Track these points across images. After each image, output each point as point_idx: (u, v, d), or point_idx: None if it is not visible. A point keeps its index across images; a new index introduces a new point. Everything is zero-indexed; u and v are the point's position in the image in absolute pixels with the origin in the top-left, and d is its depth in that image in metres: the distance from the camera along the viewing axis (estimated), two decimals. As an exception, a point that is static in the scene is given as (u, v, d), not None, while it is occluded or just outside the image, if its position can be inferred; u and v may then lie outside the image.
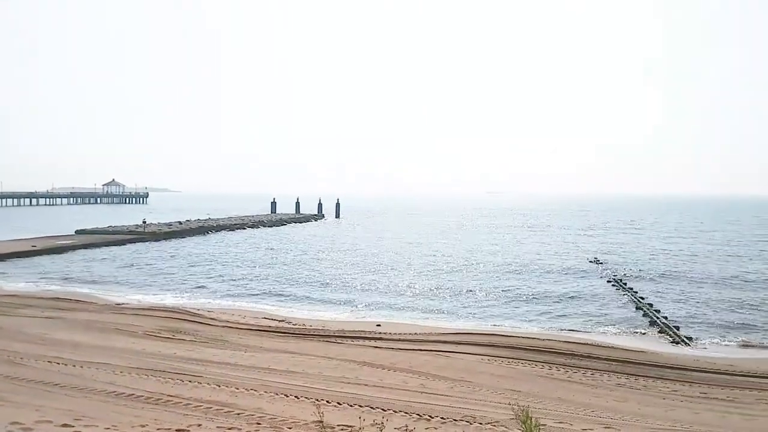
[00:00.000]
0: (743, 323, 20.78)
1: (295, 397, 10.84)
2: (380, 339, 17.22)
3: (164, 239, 50.17)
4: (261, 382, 11.82)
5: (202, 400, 10.35)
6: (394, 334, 17.88)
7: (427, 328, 19.44)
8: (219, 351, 15.05)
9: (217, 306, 23.07)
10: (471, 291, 26.92)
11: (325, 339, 17.14)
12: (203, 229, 58.45)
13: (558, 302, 24.53)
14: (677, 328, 19.36)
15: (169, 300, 24.43)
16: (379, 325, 19.44)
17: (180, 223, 62.73)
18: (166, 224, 60.02)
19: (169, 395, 10.62)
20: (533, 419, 4.90)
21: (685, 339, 18.23)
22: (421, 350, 15.80)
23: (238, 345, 15.88)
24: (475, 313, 22.42)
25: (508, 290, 27.20)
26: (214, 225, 62.06)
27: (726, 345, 18.09)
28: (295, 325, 19.32)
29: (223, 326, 18.55)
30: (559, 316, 22.05)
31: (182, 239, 51.29)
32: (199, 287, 27.72)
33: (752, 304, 24.13)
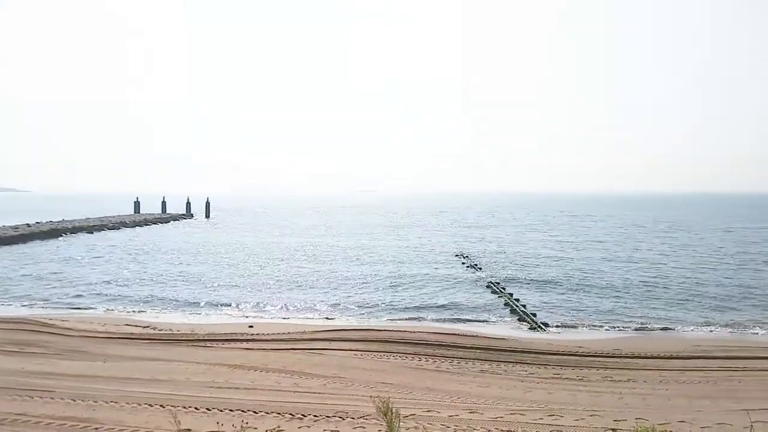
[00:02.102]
0: (593, 307, 22.82)
1: (160, 406, 10.33)
2: (252, 340, 16.87)
3: (9, 244, 45.56)
4: (122, 393, 11.12)
5: (54, 417, 9.56)
6: (267, 334, 17.59)
7: (301, 326, 19.33)
8: (75, 363, 13.97)
9: (72, 315, 21.35)
10: (343, 287, 27.17)
11: (194, 343, 16.48)
12: (56, 231, 53.72)
13: (425, 295, 25.44)
14: (534, 315, 20.86)
15: (15, 310, 22.21)
16: (251, 327, 19.04)
17: (28, 225, 57.23)
18: (11, 227, 54.49)
19: (16, 414, 9.70)
20: (394, 410, 5.08)
21: (541, 325, 19.70)
22: (294, 349, 15.70)
23: (97, 355, 14.83)
24: (347, 309, 22.65)
25: (378, 284, 27.78)
26: (69, 227, 57.27)
27: (576, 329, 19.75)
28: (161, 330, 18.37)
29: (80, 336, 17.22)
30: (427, 308, 22.89)
31: (30, 243, 46.91)
32: (51, 295, 25.42)
33: (599, 290, 26.60)
